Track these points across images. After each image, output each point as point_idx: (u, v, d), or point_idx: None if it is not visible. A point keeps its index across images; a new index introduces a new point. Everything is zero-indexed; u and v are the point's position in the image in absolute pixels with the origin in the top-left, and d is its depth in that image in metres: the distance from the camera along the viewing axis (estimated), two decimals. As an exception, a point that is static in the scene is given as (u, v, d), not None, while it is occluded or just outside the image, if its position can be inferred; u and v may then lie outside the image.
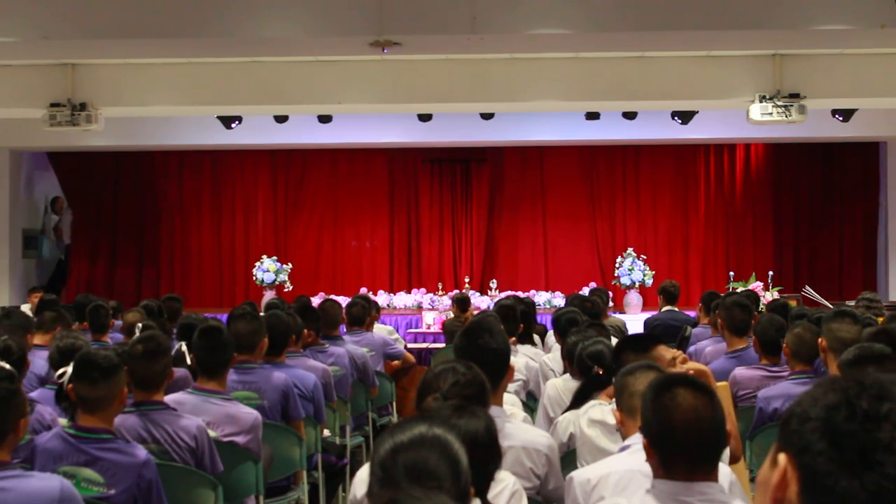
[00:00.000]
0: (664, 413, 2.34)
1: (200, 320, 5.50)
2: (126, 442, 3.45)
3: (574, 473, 2.88)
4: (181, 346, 5.09)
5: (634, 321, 9.33)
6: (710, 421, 2.33)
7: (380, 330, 7.98)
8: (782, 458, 1.16)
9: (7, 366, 3.53)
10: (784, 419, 1.18)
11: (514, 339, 5.72)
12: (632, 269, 12.31)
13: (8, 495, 2.69)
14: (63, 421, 3.86)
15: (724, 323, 5.65)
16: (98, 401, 3.37)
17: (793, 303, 8.09)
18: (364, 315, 7.41)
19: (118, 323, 7.05)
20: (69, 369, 3.55)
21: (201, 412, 4.07)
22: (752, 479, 3.96)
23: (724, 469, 2.81)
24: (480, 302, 11.53)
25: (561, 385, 4.59)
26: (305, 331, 5.98)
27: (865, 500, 1.08)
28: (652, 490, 2.35)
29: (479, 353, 3.25)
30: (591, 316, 6.26)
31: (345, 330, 7.32)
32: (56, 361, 4.45)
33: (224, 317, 6.29)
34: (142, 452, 3.39)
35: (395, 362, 7.66)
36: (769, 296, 10.13)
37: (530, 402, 5.34)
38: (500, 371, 3.34)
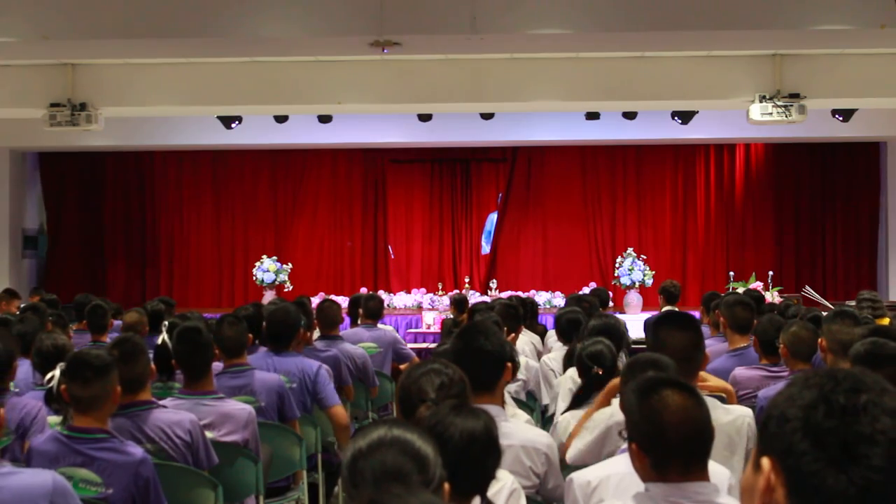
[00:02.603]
0: (654, 415, 2.31)
1: (196, 319, 5.50)
2: (121, 441, 3.44)
3: (574, 475, 2.87)
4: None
5: (634, 321, 9.31)
6: (700, 419, 2.33)
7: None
8: (766, 462, 1.15)
9: None
10: (762, 422, 1.18)
11: (513, 336, 5.71)
12: (632, 269, 12.31)
13: (1, 493, 2.67)
14: (52, 420, 3.87)
15: (727, 321, 5.66)
16: (91, 400, 3.35)
17: (794, 303, 8.09)
18: (380, 309, 7.41)
19: (118, 323, 7.05)
20: (57, 372, 3.55)
21: (196, 415, 4.06)
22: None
23: (723, 471, 2.81)
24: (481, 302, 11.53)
25: (547, 358, 4.63)
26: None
27: (855, 495, 1.07)
28: (646, 493, 2.34)
29: (476, 355, 3.27)
30: (589, 316, 6.26)
31: (359, 322, 7.32)
32: (39, 365, 4.44)
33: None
34: (138, 451, 3.38)
35: (403, 365, 7.63)
36: (769, 296, 10.14)
37: (530, 402, 5.33)
38: (497, 372, 3.35)
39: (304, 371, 5.19)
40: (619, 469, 2.75)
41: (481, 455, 2.30)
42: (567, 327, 5.76)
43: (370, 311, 7.32)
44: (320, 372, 5.22)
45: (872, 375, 1.14)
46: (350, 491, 1.84)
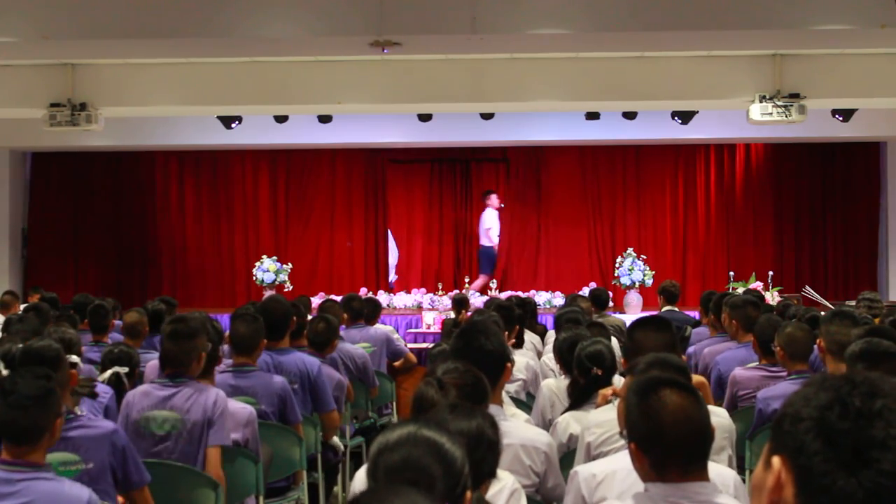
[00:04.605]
0: (653, 415, 2.31)
1: (203, 319, 5.48)
2: (89, 417, 3.52)
3: (580, 467, 2.87)
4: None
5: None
6: (699, 419, 2.33)
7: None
8: (776, 460, 1.15)
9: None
10: (776, 421, 1.18)
11: (512, 341, 5.68)
12: (632, 269, 12.30)
13: (40, 497, 2.81)
14: None
15: (740, 323, 5.67)
16: None
17: (794, 303, 8.10)
18: (363, 309, 7.40)
19: (118, 323, 7.04)
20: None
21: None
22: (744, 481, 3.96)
23: (729, 472, 2.81)
24: (481, 302, 11.52)
25: (554, 385, 4.59)
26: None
27: (863, 499, 1.07)
28: (646, 493, 2.34)
29: (475, 354, 3.28)
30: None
31: (345, 326, 7.30)
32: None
33: (223, 317, 6.28)
34: (108, 423, 3.46)
35: (398, 362, 7.62)
36: (769, 296, 10.14)
37: (530, 402, 5.33)
38: (497, 372, 3.36)
39: (305, 370, 5.18)
40: (625, 464, 2.74)
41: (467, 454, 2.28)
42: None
43: (355, 312, 7.33)
44: (320, 373, 5.20)
45: (891, 382, 1.14)
46: (370, 483, 1.85)
